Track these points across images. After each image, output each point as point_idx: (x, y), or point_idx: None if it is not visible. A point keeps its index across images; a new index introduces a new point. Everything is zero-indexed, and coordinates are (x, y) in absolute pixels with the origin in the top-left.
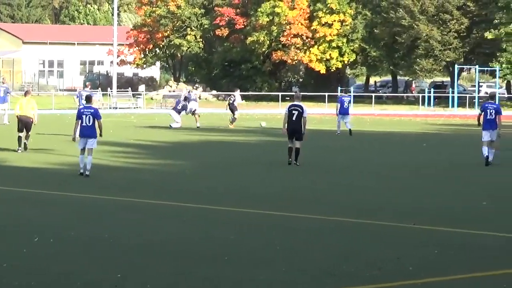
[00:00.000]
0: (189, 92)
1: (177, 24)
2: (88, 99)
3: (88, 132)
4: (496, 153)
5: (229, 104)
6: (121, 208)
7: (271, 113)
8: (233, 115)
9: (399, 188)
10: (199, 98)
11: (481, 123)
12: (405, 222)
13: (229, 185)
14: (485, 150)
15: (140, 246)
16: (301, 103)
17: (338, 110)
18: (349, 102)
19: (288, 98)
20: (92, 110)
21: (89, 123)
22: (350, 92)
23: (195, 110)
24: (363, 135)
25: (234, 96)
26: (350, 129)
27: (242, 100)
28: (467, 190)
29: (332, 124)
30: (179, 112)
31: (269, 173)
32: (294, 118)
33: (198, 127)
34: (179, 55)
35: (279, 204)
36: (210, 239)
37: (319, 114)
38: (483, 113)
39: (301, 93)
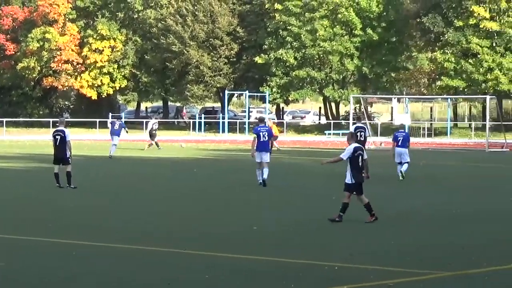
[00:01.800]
0: None
1: None
2: None
3: None
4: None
5: (152, 131)
6: None
7: (42, 139)
8: (154, 140)
9: (172, 213)
10: None
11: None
12: (177, 247)
13: None
14: (259, 172)
15: None
16: (63, 128)
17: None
18: (120, 125)
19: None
20: None
21: None
22: (121, 118)
23: None
24: (135, 160)
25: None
26: (111, 155)
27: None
28: (240, 214)
29: (103, 150)
30: None
31: (38, 197)
32: (58, 144)
33: None
34: None
35: (49, 229)
36: None
37: (90, 140)
38: (256, 136)
39: (73, 119)
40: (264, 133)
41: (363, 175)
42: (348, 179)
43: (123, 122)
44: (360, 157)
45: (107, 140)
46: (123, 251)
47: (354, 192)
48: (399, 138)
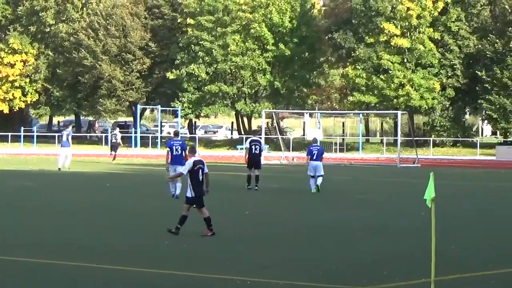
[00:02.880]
0: None
1: None
2: None
3: None
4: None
5: (114, 142)
6: None
7: None
8: (115, 152)
9: (81, 227)
10: None
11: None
12: (89, 261)
13: None
14: (171, 185)
15: None
16: None
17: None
18: (67, 135)
19: None
20: None
21: None
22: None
23: None
24: (48, 174)
25: (116, 135)
26: (59, 168)
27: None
28: (152, 228)
29: (16, 163)
30: None
31: None
32: None
33: None
34: None
35: None
36: None
37: (2, 154)
38: (170, 150)
39: None
40: (177, 147)
41: (204, 189)
42: (188, 193)
43: (70, 131)
44: (201, 170)
45: (19, 154)
46: (36, 265)
47: (194, 206)
48: (314, 151)
